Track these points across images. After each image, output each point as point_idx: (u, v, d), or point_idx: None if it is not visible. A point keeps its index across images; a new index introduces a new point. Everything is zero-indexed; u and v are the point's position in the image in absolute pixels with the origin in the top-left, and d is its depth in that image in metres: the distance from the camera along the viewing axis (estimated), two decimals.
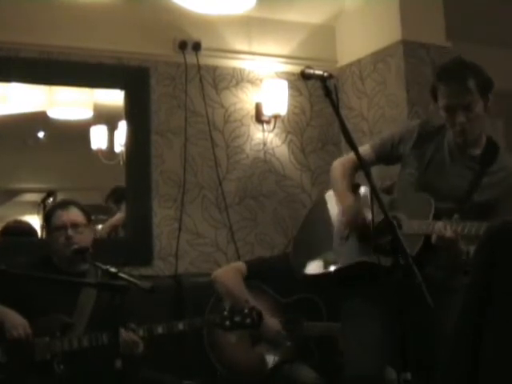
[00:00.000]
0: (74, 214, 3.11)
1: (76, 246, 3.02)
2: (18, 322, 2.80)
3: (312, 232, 2.91)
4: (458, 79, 2.54)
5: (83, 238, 3.07)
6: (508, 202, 2.58)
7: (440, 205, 2.51)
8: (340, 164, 2.88)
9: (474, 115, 2.56)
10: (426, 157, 2.65)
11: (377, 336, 2.57)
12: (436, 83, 2.61)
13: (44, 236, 3.27)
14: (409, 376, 1.91)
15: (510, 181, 2.60)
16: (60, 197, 4.09)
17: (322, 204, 2.94)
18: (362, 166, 2.16)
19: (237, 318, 3.00)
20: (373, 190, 2.05)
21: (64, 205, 3.17)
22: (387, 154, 2.80)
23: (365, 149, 2.84)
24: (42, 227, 3.90)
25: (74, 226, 3.08)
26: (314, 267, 2.78)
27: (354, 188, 2.81)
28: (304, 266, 2.82)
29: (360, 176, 2.82)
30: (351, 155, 2.84)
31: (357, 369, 2.59)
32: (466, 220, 2.40)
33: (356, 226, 2.66)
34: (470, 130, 2.57)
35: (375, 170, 2.78)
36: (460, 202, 2.54)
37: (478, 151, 2.64)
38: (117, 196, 4.23)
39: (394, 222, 1.99)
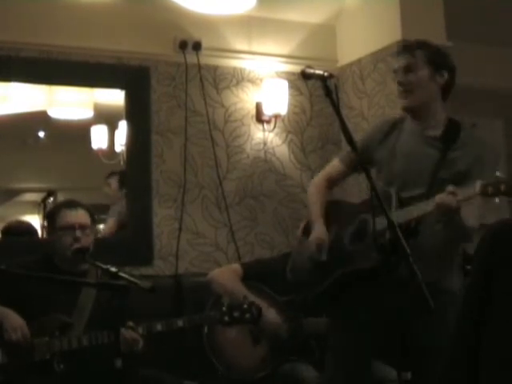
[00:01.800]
0: (83, 216, 3.10)
1: (78, 246, 3.01)
2: (16, 324, 2.79)
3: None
4: (405, 49, 2.69)
5: (88, 240, 3.07)
6: (477, 173, 2.57)
7: (410, 192, 2.53)
8: (314, 186, 2.93)
9: (416, 78, 2.64)
10: (390, 147, 2.70)
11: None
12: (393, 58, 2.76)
13: (45, 235, 3.25)
14: (409, 376, 1.92)
15: (477, 151, 2.61)
16: (60, 197, 4.09)
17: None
18: (361, 165, 2.14)
19: (236, 314, 3.01)
20: (373, 189, 2.05)
21: (72, 205, 3.14)
22: (358, 162, 2.78)
23: (334, 164, 2.91)
24: (43, 227, 3.90)
25: (82, 227, 3.07)
26: None
27: (328, 207, 2.84)
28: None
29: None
30: (323, 173, 2.94)
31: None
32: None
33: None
34: (411, 91, 2.64)
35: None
36: (428, 183, 2.56)
37: (438, 131, 2.67)
38: (122, 178, 4.19)
39: (395, 222, 1.98)
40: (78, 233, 3.04)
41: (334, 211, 2.82)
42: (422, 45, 2.70)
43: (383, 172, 2.73)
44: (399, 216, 2.41)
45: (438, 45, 2.79)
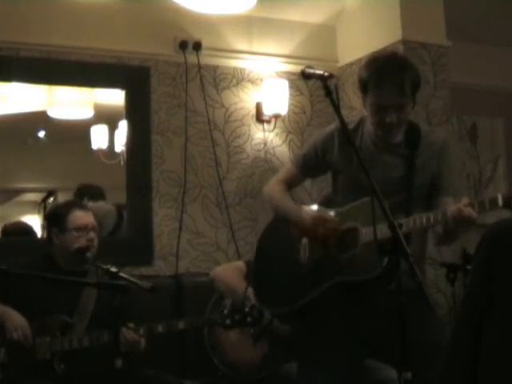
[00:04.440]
0: (93, 218, 3.12)
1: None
2: (18, 323, 2.80)
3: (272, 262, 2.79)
4: (394, 81, 2.44)
5: (96, 242, 3.09)
6: (447, 172, 2.57)
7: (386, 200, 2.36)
8: (273, 189, 2.78)
9: (404, 116, 2.51)
10: (354, 157, 2.44)
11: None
12: (369, 78, 2.49)
13: (46, 235, 3.22)
14: (409, 376, 1.92)
15: (440, 151, 2.57)
16: (60, 197, 4.09)
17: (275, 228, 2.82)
18: (362, 165, 2.13)
19: (237, 317, 3.01)
20: (373, 190, 2.04)
21: (83, 206, 3.15)
22: (313, 166, 2.73)
23: (288, 168, 2.82)
24: (43, 227, 3.90)
25: (94, 229, 3.09)
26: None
27: None
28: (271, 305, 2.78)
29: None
30: (277, 177, 2.81)
31: None
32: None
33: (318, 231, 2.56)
34: (397, 129, 2.53)
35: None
36: (403, 191, 2.50)
37: (400, 137, 2.58)
38: (88, 193, 4.16)
39: (395, 223, 1.98)
40: (92, 234, 3.06)
41: None
42: (409, 73, 2.48)
43: (345, 179, 2.63)
44: (406, 224, 2.34)
45: (413, 64, 2.56)
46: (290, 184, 2.79)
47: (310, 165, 2.73)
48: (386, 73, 2.46)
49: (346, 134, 2.26)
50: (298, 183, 2.84)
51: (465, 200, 2.32)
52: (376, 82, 2.46)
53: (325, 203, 2.73)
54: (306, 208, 2.65)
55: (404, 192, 2.51)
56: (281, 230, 2.75)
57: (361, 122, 2.64)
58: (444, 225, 2.37)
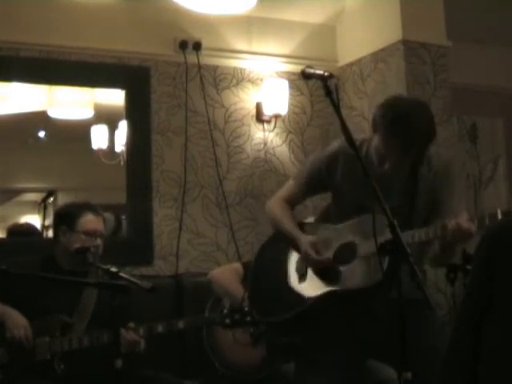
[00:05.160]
0: (102, 223, 3.11)
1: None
2: (19, 323, 2.80)
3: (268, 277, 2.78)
4: (402, 137, 2.38)
5: (101, 246, 3.07)
6: (450, 199, 2.55)
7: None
8: (276, 207, 2.75)
9: (405, 165, 2.49)
10: (358, 175, 2.29)
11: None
12: (380, 123, 2.44)
13: (53, 232, 3.19)
14: (409, 376, 1.92)
15: (442, 168, 2.55)
16: (60, 197, 4.09)
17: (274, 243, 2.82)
18: (365, 172, 2.11)
19: (237, 316, 3.01)
20: (375, 194, 2.04)
21: (96, 211, 3.11)
22: (315, 184, 2.70)
23: (290, 186, 2.78)
24: (45, 227, 3.91)
25: (101, 235, 3.08)
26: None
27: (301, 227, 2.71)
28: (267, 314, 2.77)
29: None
30: (280, 194, 2.78)
31: None
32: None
33: (314, 260, 2.56)
34: (393, 174, 2.49)
35: None
36: (405, 206, 2.49)
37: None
38: None
39: (395, 222, 1.98)
40: (98, 241, 3.05)
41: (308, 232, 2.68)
42: (421, 134, 2.40)
43: (347, 194, 2.60)
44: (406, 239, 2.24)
45: (431, 116, 2.47)
46: (291, 202, 2.76)
47: (313, 182, 2.70)
48: (398, 126, 2.39)
49: (347, 135, 2.24)
50: (299, 202, 2.80)
51: (465, 215, 2.30)
52: (385, 131, 2.42)
53: (323, 217, 2.74)
54: (303, 237, 2.61)
55: (405, 207, 2.50)
56: (279, 243, 2.74)
57: (364, 141, 2.59)
58: (442, 239, 2.35)
